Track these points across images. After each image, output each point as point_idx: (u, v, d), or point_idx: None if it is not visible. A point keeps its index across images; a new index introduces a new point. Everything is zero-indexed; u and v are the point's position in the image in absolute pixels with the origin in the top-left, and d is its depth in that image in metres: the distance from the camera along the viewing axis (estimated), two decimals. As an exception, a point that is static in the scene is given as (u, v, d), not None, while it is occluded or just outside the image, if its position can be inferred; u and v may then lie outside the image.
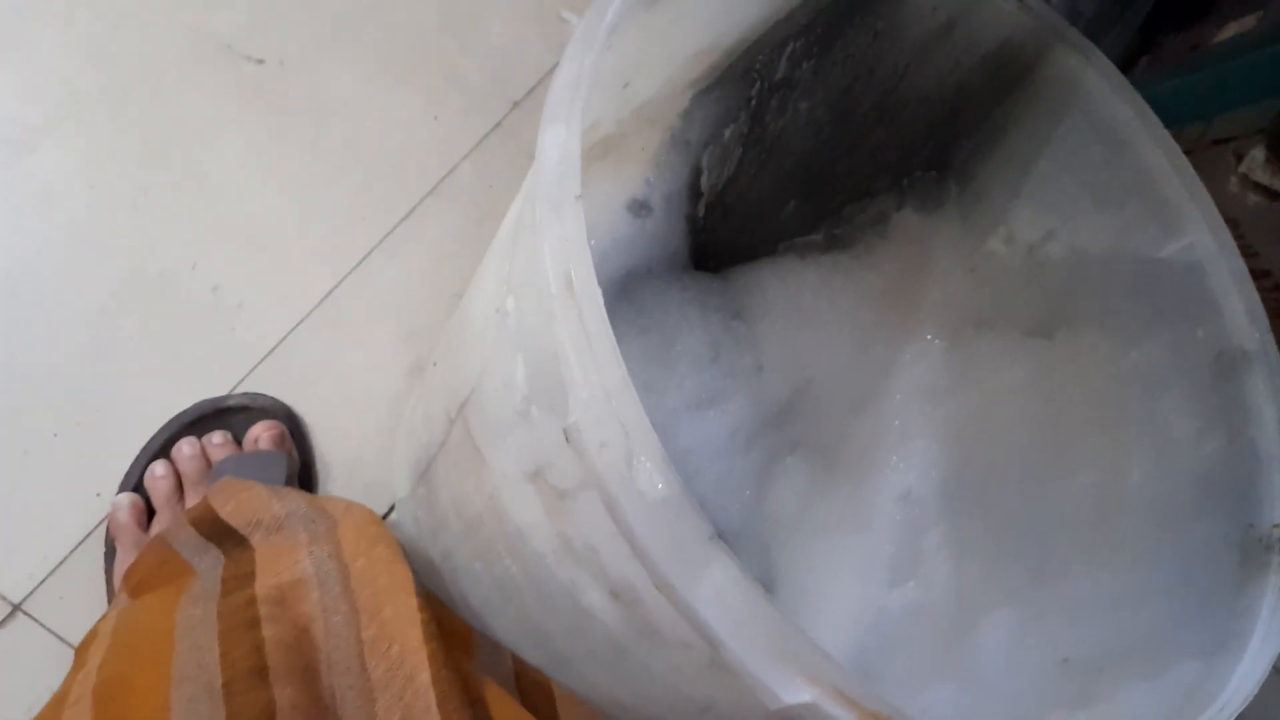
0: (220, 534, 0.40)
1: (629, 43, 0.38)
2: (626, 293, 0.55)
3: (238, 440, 0.55)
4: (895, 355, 0.56)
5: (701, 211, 0.54)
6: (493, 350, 0.35)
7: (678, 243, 0.56)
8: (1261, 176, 0.47)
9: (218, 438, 0.54)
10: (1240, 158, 0.47)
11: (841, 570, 0.56)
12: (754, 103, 0.48)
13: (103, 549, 0.53)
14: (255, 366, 0.57)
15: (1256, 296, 0.41)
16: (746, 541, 0.56)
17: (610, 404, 0.26)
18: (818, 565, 0.56)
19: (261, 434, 0.54)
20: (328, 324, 0.58)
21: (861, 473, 0.57)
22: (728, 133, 0.50)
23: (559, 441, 0.30)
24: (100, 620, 0.39)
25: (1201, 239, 0.42)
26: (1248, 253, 0.61)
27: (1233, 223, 0.58)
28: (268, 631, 0.32)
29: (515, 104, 0.67)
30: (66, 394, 0.54)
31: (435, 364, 0.48)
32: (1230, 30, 0.62)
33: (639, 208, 0.53)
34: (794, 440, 0.57)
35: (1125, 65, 0.69)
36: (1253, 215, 0.57)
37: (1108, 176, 0.44)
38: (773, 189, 0.54)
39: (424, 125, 0.64)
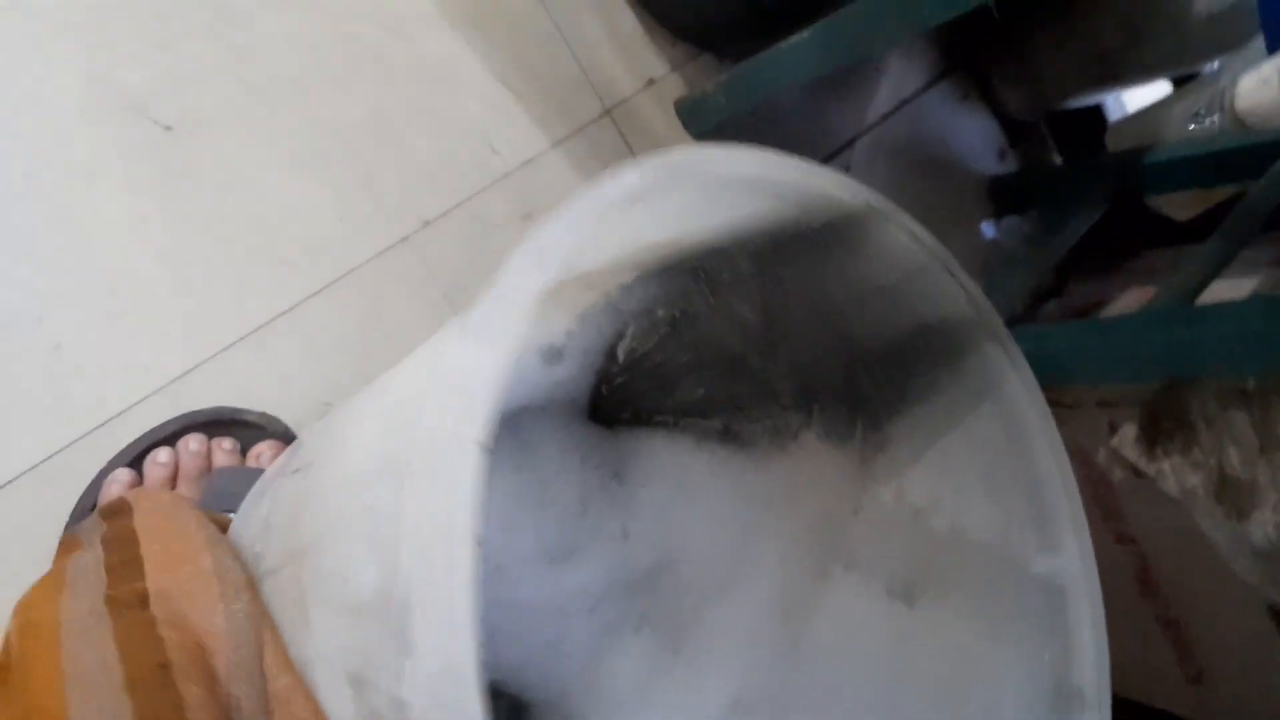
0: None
1: (585, 231, 0.37)
2: (514, 427, 0.54)
3: (243, 452, 0.54)
4: (763, 563, 0.56)
5: (613, 370, 0.53)
6: (348, 523, 0.32)
7: (580, 393, 0.54)
8: (1130, 453, 0.49)
9: (227, 444, 0.53)
10: (1114, 429, 0.49)
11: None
12: (692, 294, 0.48)
13: (68, 516, 0.51)
14: (79, 439, 0.51)
15: (1106, 645, 0.42)
16: (567, 710, 0.54)
17: (450, 692, 0.24)
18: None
19: (266, 452, 0.53)
20: (169, 408, 0.54)
21: (702, 666, 0.56)
22: (660, 312, 0.49)
23: (395, 676, 0.28)
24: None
25: (1071, 564, 0.43)
26: (1114, 515, 0.64)
27: (1105, 482, 0.61)
28: (165, 632, 0.32)
29: (427, 222, 0.64)
30: None
31: (298, 470, 0.45)
32: (1131, 296, 0.66)
33: (553, 354, 0.51)
34: (641, 615, 0.56)
35: (1035, 303, 0.72)
36: (1118, 487, 0.60)
37: (1003, 472, 0.45)
38: (687, 370, 0.53)
39: (326, 223, 0.60)
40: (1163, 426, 0.56)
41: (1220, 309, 0.51)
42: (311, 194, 0.60)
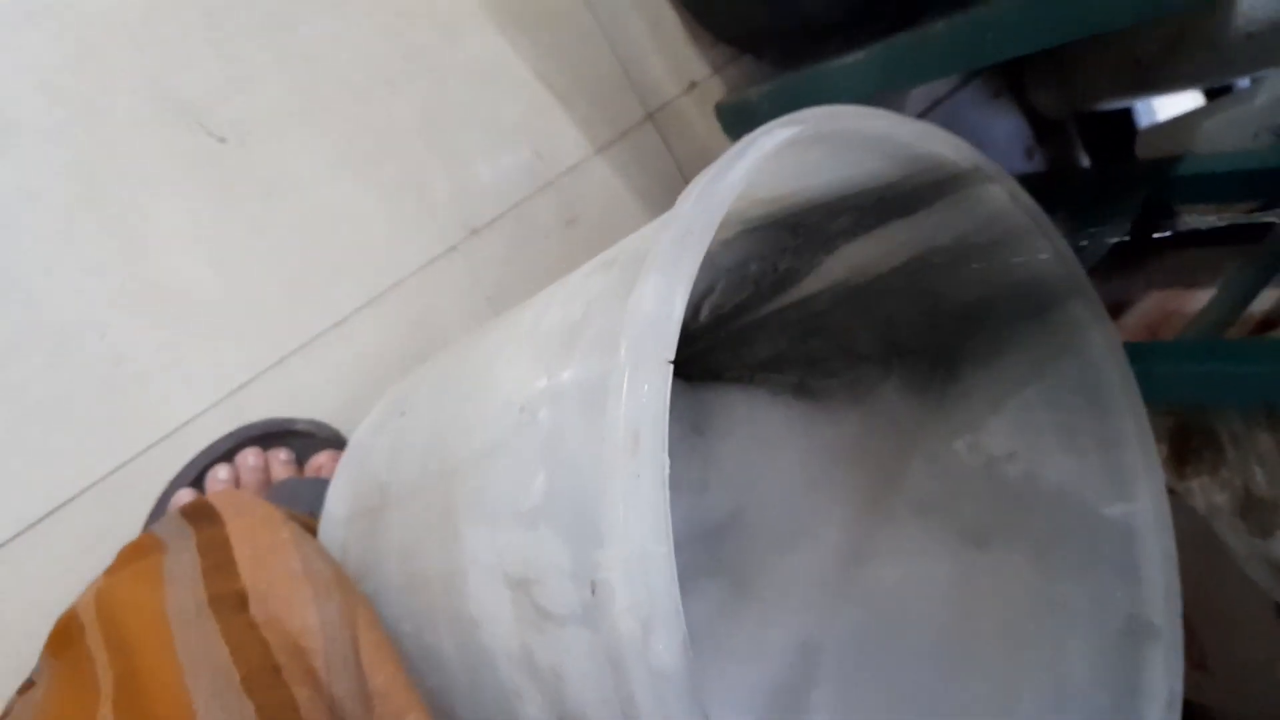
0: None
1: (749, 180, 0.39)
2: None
3: (300, 462, 0.55)
4: (834, 510, 0.58)
5: (699, 323, 0.55)
6: (508, 443, 0.35)
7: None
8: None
9: (283, 455, 0.54)
10: None
11: (730, 701, 0.57)
12: (788, 251, 0.50)
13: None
14: (141, 453, 0.52)
15: (1176, 580, 0.45)
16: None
17: (646, 571, 0.26)
18: (709, 691, 0.57)
19: (325, 462, 0.54)
20: (229, 419, 0.55)
21: (771, 609, 0.58)
22: (754, 266, 0.51)
23: (564, 575, 0.30)
24: (76, 606, 0.37)
25: (1145, 510, 0.46)
26: None
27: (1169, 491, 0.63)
28: (267, 634, 0.32)
29: (475, 231, 0.64)
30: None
31: (404, 413, 0.47)
32: (1153, 301, 0.67)
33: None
34: (717, 563, 0.59)
35: None
36: None
37: (1081, 426, 0.48)
38: (770, 325, 0.56)
39: (376, 230, 0.61)
40: (1192, 445, 0.58)
41: (1253, 346, 0.53)
42: (362, 203, 0.60)
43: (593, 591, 0.27)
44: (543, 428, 0.33)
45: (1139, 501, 0.46)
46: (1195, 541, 0.63)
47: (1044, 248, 0.45)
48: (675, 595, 0.26)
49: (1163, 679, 0.43)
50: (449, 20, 0.63)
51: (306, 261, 0.57)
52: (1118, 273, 0.82)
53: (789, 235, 0.48)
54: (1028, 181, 0.83)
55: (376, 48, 0.61)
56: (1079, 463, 0.48)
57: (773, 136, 0.33)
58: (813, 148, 0.38)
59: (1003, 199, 0.43)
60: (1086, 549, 0.48)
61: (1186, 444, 0.57)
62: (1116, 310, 0.77)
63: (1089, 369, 0.47)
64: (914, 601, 0.55)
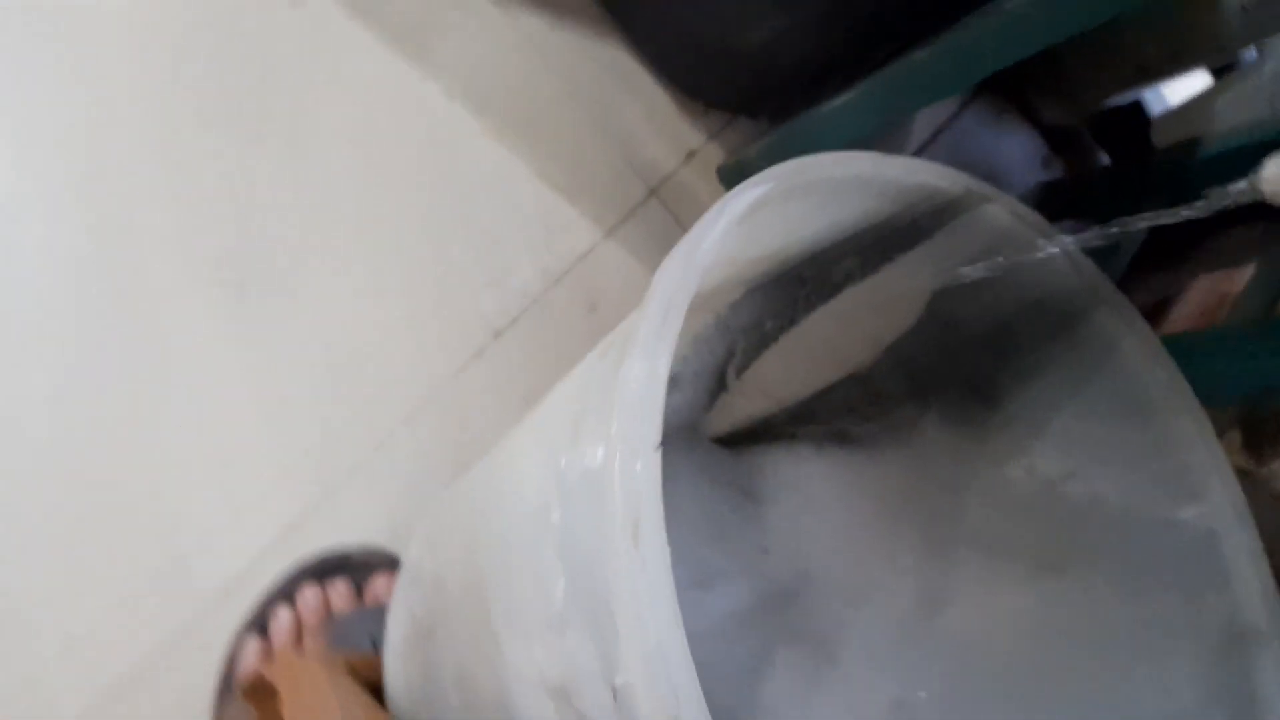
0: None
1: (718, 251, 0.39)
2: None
3: (358, 589, 0.56)
4: (901, 558, 0.56)
5: (727, 389, 0.55)
6: (528, 549, 0.34)
7: (698, 416, 0.56)
8: (1239, 460, 0.49)
9: (341, 586, 0.55)
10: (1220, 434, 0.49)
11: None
12: (799, 302, 0.49)
13: (214, 695, 0.53)
14: (210, 603, 0.54)
15: (1270, 574, 0.42)
16: (735, 728, 0.55)
17: (665, 668, 0.26)
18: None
19: (383, 587, 0.55)
20: (288, 556, 0.56)
21: (857, 671, 0.56)
22: (769, 324, 0.51)
23: (597, 678, 0.30)
24: None
25: (1220, 508, 0.43)
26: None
27: (1251, 486, 0.60)
28: None
29: (498, 333, 0.66)
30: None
31: (443, 529, 0.47)
32: (1203, 287, 0.65)
33: (671, 383, 0.53)
34: (792, 630, 0.57)
35: None
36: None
37: (1135, 435, 0.45)
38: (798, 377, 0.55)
39: (403, 349, 0.62)
40: (1268, 428, 0.55)
41: None
42: (386, 325, 0.62)
43: (614, 697, 0.26)
44: (556, 529, 0.33)
45: (1211, 500, 0.44)
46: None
47: (1055, 260, 0.44)
48: (697, 693, 0.25)
49: (1276, 682, 0.40)
50: (450, 140, 0.65)
51: (341, 391, 0.59)
52: (1165, 266, 0.80)
53: (797, 286, 0.48)
54: (1048, 191, 0.81)
55: (385, 176, 0.63)
56: (1140, 472, 0.46)
57: (741, 199, 0.33)
58: (791, 201, 0.38)
59: (1003, 218, 0.43)
60: (1168, 559, 0.45)
61: (1261, 427, 0.54)
62: (1166, 304, 0.74)
63: (1129, 377, 0.45)
64: (1000, 641, 0.52)
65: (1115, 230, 0.37)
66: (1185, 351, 0.54)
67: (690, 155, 0.73)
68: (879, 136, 0.77)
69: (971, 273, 0.44)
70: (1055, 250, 0.43)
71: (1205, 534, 0.44)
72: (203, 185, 0.58)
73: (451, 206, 0.64)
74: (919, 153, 0.78)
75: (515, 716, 0.35)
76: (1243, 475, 0.56)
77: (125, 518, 0.52)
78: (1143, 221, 0.36)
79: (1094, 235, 0.38)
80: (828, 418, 0.57)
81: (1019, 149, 0.83)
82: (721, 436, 0.60)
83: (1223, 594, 0.43)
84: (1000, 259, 0.44)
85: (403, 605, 0.49)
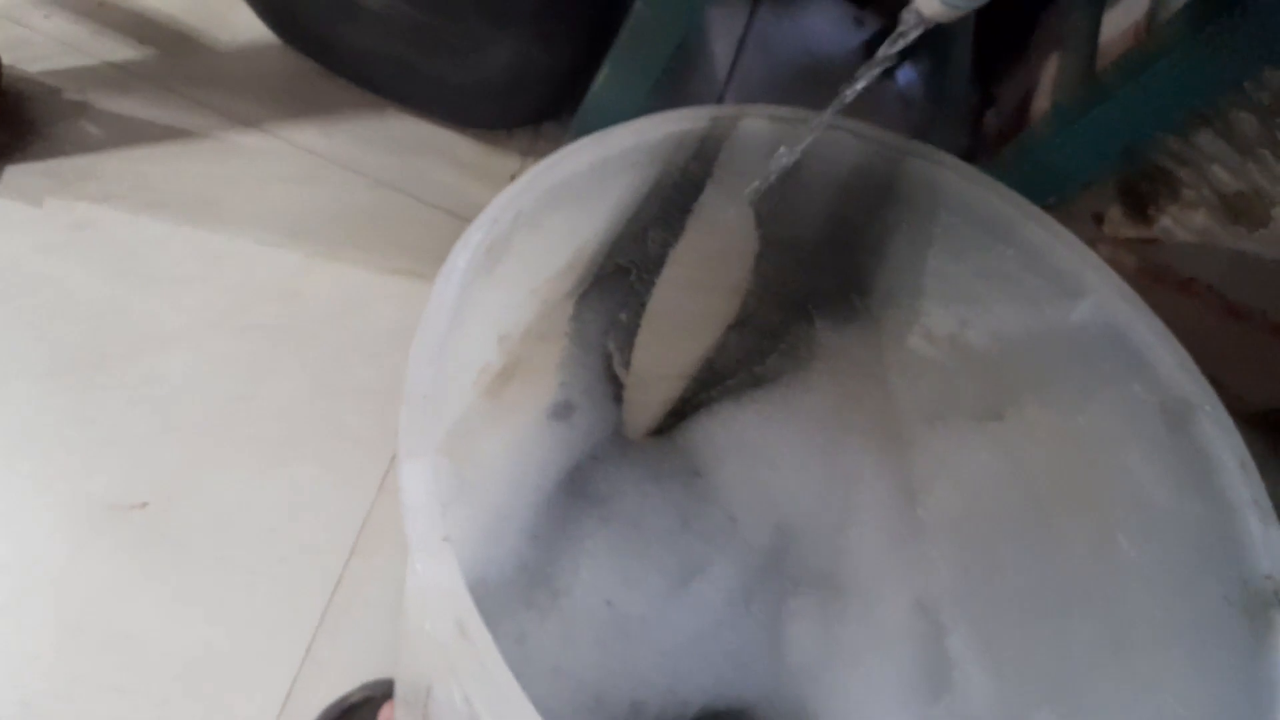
0: None
1: (487, 302, 0.38)
2: (577, 488, 0.55)
3: None
4: (859, 467, 0.55)
5: (624, 383, 0.54)
6: (430, 664, 0.34)
7: (613, 424, 0.55)
8: (1128, 231, 0.47)
9: None
10: (1101, 219, 0.47)
11: (878, 696, 0.54)
12: (638, 285, 0.48)
13: None
14: None
15: (1178, 345, 0.40)
16: (780, 705, 0.54)
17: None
18: (855, 698, 0.54)
19: (391, 716, 0.55)
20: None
21: (868, 590, 0.55)
22: (624, 316, 0.50)
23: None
24: None
25: (1106, 296, 0.42)
26: (1163, 273, 0.61)
27: (1144, 250, 0.58)
28: None
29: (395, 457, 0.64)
30: None
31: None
32: (1053, 66, 0.63)
33: (562, 410, 0.52)
34: (793, 580, 0.56)
35: (976, 127, 0.70)
36: (1150, 248, 0.58)
37: (995, 259, 0.44)
38: (687, 348, 0.54)
39: (325, 493, 0.61)
40: (1142, 189, 0.54)
41: (1120, 69, 0.48)
42: (299, 477, 0.61)
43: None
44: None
45: (1094, 293, 0.42)
46: (1241, 256, 0.58)
47: (843, 140, 0.43)
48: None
49: (1223, 447, 0.39)
50: (287, 283, 0.64)
51: (279, 554, 0.58)
52: (1012, 65, 0.78)
53: (622, 273, 0.47)
54: (871, 46, 0.79)
55: (234, 347, 0.63)
56: (1019, 295, 0.45)
57: (458, 265, 0.32)
58: (541, 217, 0.37)
59: (761, 126, 0.41)
60: (1084, 366, 0.44)
61: (1135, 191, 0.53)
62: (1027, 101, 0.72)
63: (963, 211, 0.44)
64: (980, 508, 0.51)
65: (848, 95, 0.36)
66: (1029, 151, 0.52)
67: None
68: (672, 82, 0.75)
69: (754, 190, 0.42)
70: (832, 130, 0.42)
71: (1105, 328, 0.42)
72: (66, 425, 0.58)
73: (317, 345, 0.63)
74: (732, 71, 0.77)
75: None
76: (1142, 243, 0.54)
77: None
78: (860, 81, 0.35)
79: (832, 110, 0.37)
80: (733, 371, 0.56)
81: (827, 22, 0.81)
82: (656, 431, 0.60)
83: (1145, 379, 0.41)
84: (782, 157, 0.42)
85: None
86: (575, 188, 0.38)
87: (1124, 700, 0.41)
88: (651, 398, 0.57)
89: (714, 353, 0.55)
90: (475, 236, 0.33)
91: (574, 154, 0.37)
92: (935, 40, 0.67)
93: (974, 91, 0.76)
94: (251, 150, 0.65)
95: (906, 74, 0.80)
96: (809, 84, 0.78)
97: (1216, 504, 0.39)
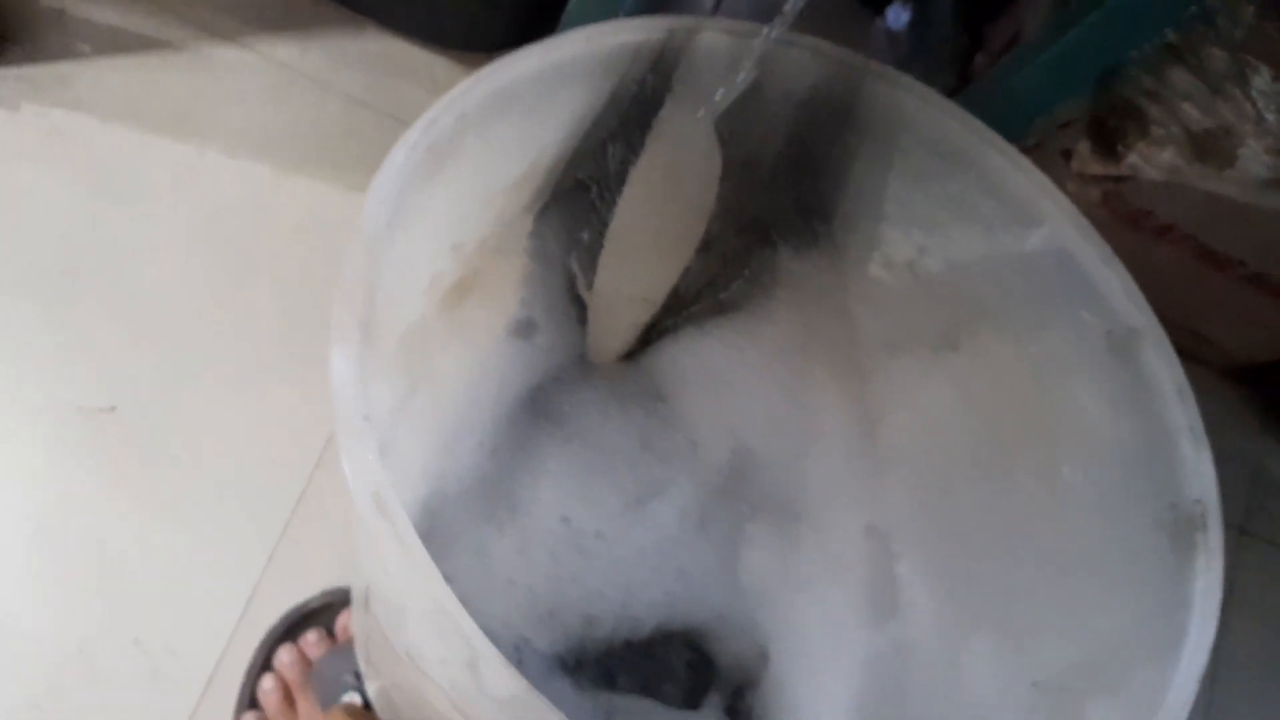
0: None
1: (435, 207, 0.38)
2: (539, 407, 0.55)
3: (330, 632, 0.57)
4: (819, 396, 0.56)
5: (588, 304, 0.54)
6: (365, 549, 0.35)
7: (576, 347, 0.56)
8: (1096, 167, 0.47)
9: (312, 636, 0.57)
10: (1069, 155, 0.47)
11: (828, 620, 0.55)
12: (599, 203, 0.48)
13: None
14: (197, 708, 0.55)
15: (1127, 272, 0.41)
16: (732, 621, 0.55)
17: (444, 617, 0.26)
18: (807, 621, 0.55)
19: (349, 622, 0.56)
20: (256, 630, 0.57)
21: (822, 516, 0.56)
22: (586, 234, 0.50)
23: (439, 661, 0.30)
24: None
25: (1059, 226, 0.42)
26: (1138, 217, 0.61)
27: (1115, 194, 0.58)
28: None
29: None
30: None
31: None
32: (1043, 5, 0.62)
33: (523, 328, 0.53)
34: (749, 505, 0.57)
35: (965, 68, 0.69)
36: (1125, 192, 0.57)
37: (954, 186, 0.44)
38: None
39: (292, 405, 0.61)
40: (1111, 125, 0.53)
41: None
42: (262, 395, 0.61)
43: (409, 658, 0.26)
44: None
45: (1050, 221, 0.42)
46: (1217, 202, 0.57)
47: (800, 57, 0.42)
48: (477, 631, 0.25)
49: (1164, 374, 0.39)
50: (259, 198, 0.64)
51: (246, 466, 0.59)
52: (1001, 6, 0.77)
53: (582, 189, 0.47)
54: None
55: (214, 259, 0.63)
56: (976, 221, 0.45)
57: (395, 162, 0.32)
58: (489, 122, 0.37)
59: (720, 40, 0.41)
60: (1035, 294, 0.44)
61: (1105, 127, 0.52)
62: (1014, 42, 0.71)
63: (925, 136, 0.44)
64: (935, 438, 0.52)
65: (789, 8, 0.36)
66: (999, 80, 0.52)
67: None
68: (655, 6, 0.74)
69: (715, 104, 0.42)
70: (760, 48, 0.41)
71: (1059, 255, 0.43)
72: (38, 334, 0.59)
73: (289, 262, 0.64)
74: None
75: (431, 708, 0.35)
76: (1110, 180, 0.54)
77: (89, 664, 0.54)
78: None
79: (784, 20, 0.37)
80: (697, 296, 0.56)
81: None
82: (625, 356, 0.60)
83: (1094, 307, 0.42)
84: (742, 73, 0.42)
85: (359, 630, 0.51)
86: (524, 94, 0.38)
87: (1057, 621, 0.42)
88: (617, 321, 0.57)
89: (679, 278, 0.55)
90: (414, 136, 0.33)
91: (521, 59, 0.37)
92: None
93: (963, 32, 0.75)
94: (227, 64, 0.65)
95: (895, 13, 0.79)
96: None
97: (1154, 430, 0.39)
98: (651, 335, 0.58)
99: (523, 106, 0.39)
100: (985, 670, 0.44)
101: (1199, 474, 0.37)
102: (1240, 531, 0.72)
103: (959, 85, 0.75)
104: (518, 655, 0.52)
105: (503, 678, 0.25)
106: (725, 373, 0.57)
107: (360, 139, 0.66)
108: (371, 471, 0.26)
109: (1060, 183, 0.43)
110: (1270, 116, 0.49)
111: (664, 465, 0.57)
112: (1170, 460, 0.38)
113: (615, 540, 0.55)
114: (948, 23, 0.68)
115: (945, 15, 0.66)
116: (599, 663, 0.54)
